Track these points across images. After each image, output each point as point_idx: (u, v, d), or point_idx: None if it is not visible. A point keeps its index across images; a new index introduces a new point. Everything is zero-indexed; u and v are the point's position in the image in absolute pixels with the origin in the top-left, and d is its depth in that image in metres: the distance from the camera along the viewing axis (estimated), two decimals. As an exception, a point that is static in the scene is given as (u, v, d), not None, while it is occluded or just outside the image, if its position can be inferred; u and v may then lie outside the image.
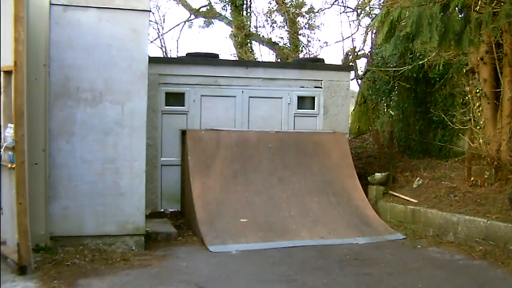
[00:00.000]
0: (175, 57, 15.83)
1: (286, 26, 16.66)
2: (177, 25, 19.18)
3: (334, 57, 37.71)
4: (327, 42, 18.03)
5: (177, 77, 9.37)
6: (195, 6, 18.27)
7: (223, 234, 7.56)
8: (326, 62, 10.91)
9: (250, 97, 9.71)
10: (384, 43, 7.75)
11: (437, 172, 9.78)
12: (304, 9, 16.64)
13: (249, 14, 17.02)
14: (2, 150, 5.99)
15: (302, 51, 16.51)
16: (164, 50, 19.34)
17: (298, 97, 9.93)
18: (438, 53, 9.90)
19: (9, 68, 5.75)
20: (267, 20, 16.88)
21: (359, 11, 15.58)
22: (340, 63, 14.71)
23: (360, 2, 15.93)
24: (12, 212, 5.76)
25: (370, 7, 15.17)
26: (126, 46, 6.85)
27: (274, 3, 16.83)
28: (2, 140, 6.00)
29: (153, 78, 8.57)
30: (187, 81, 9.42)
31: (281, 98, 9.86)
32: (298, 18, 16.70)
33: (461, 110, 10.28)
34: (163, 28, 19.85)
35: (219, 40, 39.27)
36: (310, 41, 16.65)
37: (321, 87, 10.02)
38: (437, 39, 6.69)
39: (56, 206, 6.68)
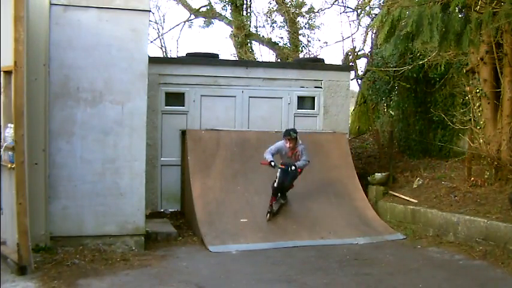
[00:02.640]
0: (175, 57, 15.81)
1: (286, 26, 16.65)
2: (177, 25, 19.22)
3: (334, 57, 37.66)
4: (327, 42, 18.10)
5: (177, 77, 9.37)
6: (195, 6, 18.25)
7: (223, 234, 7.56)
8: (326, 62, 10.91)
9: (250, 97, 9.70)
10: (384, 43, 7.73)
11: (437, 172, 9.77)
12: (304, 9, 16.64)
13: (249, 14, 17.00)
14: (2, 150, 5.98)
15: (302, 51, 16.50)
16: (164, 50, 19.35)
17: (298, 97, 9.92)
18: (438, 53, 9.88)
19: (9, 68, 5.75)
20: (267, 20, 16.89)
21: (359, 11, 15.56)
22: (340, 63, 14.69)
23: (360, 2, 15.92)
24: (12, 212, 5.76)
25: (370, 7, 15.16)
26: (126, 46, 6.85)
27: (274, 3, 16.82)
28: (2, 140, 6.00)
29: (153, 78, 8.57)
30: (187, 81, 9.42)
31: (281, 98, 9.85)
32: (298, 18, 16.69)
33: (461, 110, 10.27)
34: (163, 28, 19.87)
35: (219, 40, 39.21)
36: (310, 41, 16.66)
37: (321, 87, 10.01)
38: (438, 39, 6.68)
39: (55, 206, 6.68)
